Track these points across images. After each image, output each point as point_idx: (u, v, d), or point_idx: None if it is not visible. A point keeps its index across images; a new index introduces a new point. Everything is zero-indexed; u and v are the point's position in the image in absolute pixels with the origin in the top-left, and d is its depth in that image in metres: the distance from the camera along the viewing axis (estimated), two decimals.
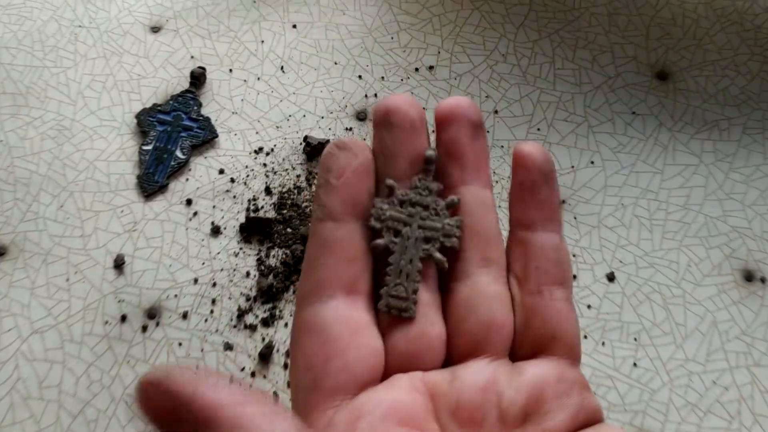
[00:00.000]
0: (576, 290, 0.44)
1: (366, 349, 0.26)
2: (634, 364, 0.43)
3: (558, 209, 0.30)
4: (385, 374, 0.27)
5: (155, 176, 0.46)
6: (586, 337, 0.43)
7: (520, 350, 0.29)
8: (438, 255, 0.28)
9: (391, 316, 0.28)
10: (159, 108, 0.48)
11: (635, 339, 0.43)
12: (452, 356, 0.28)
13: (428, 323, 0.27)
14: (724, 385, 0.42)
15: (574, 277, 0.45)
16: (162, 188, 0.46)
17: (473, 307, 0.28)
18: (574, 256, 0.45)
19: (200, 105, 0.48)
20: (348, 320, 0.26)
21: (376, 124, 0.29)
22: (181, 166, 0.47)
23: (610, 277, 0.45)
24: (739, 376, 0.42)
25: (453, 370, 0.27)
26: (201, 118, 0.48)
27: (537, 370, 0.26)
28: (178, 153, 0.46)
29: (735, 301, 0.44)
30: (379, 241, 0.28)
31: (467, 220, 0.29)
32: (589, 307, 0.44)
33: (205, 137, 0.47)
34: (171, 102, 0.49)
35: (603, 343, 0.43)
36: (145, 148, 0.47)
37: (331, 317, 0.26)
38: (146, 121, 0.48)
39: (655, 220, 0.47)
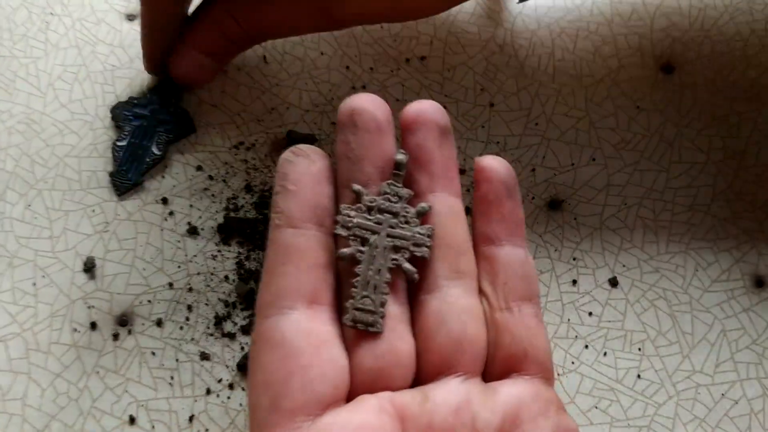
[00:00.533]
0: (576, 296, 0.42)
1: (329, 365, 0.24)
2: (638, 376, 0.40)
3: (522, 223, 0.29)
4: (351, 393, 0.25)
5: (129, 174, 0.43)
6: (587, 347, 0.41)
7: (492, 368, 0.27)
8: (408, 265, 0.26)
9: (357, 331, 0.26)
10: (135, 101, 0.44)
11: (639, 349, 0.41)
12: (422, 373, 0.27)
13: (396, 338, 0.26)
14: (734, 399, 0.40)
15: (574, 282, 0.42)
16: (136, 186, 0.43)
17: (444, 322, 0.26)
18: (574, 259, 0.43)
19: (179, 98, 0.45)
20: (310, 334, 0.25)
21: (340, 126, 0.27)
22: (156, 163, 0.43)
23: (613, 283, 0.42)
24: (749, 389, 0.40)
25: (424, 390, 0.25)
26: (179, 111, 0.44)
27: (512, 390, 0.26)
28: (154, 149, 0.42)
29: (745, 308, 0.42)
30: (346, 251, 0.26)
31: (436, 230, 0.27)
32: (590, 314, 0.41)
33: (182, 132, 0.44)
34: (148, 95, 0.45)
35: (605, 354, 0.40)
36: (119, 144, 0.43)
37: (292, 330, 0.24)
38: (121, 115, 0.44)
39: (660, 221, 0.44)
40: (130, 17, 0.50)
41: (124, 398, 0.39)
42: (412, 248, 0.26)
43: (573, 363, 0.40)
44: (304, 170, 0.26)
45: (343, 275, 0.27)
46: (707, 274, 0.43)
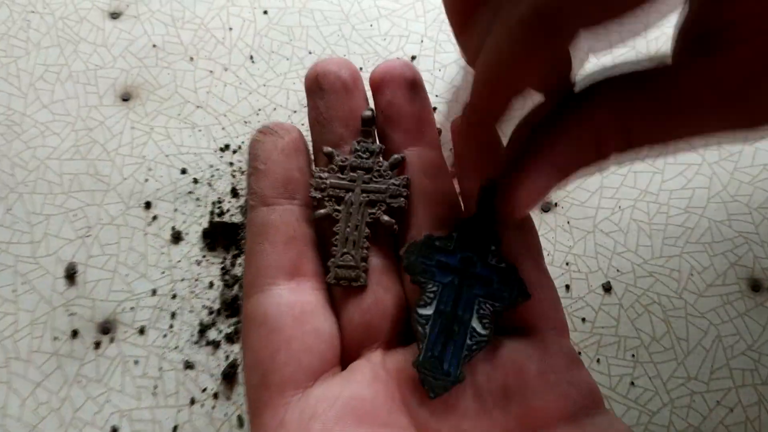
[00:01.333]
0: (569, 302, 0.41)
1: (312, 335, 0.24)
2: (632, 383, 0.39)
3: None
4: (345, 352, 0.25)
5: (444, 364, 0.24)
6: (580, 353, 0.40)
7: None
8: (385, 218, 0.26)
9: (342, 288, 0.25)
10: (437, 242, 0.25)
11: (633, 355, 0.40)
12: None
13: (381, 290, 0.25)
14: (729, 406, 0.39)
15: (567, 287, 0.41)
16: (456, 384, 0.24)
17: None
18: (567, 264, 0.42)
19: (498, 242, 0.26)
20: (291, 307, 0.24)
21: (308, 92, 0.27)
22: (482, 348, 0.24)
23: (606, 288, 0.41)
24: (745, 396, 0.39)
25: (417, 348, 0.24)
26: (505, 267, 0.25)
27: (516, 345, 0.24)
28: (477, 326, 0.24)
29: (741, 312, 0.41)
30: (321, 211, 0.26)
31: (414, 182, 0.26)
32: (583, 320, 0.40)
33: (513, 300, 0.25)
34: (455, 235, 0.25)
35: (598, 360, 0.40)
36: (422, 312, 0.24)
37: (274, 306, 0.24)
38: (419, 263, 0.25)
39: (654, 224, 0.43)
40: (114, 15, 0.48)
41: (107, 408, 0.38)
42: (388, 200, 0.26)
43: None
44: (272, 147, 0.26)
45: (326, 238, 0.26)
46: (702, 278, 0.42)
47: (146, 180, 0.43)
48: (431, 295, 0.25)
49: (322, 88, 0.26)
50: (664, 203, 0.43)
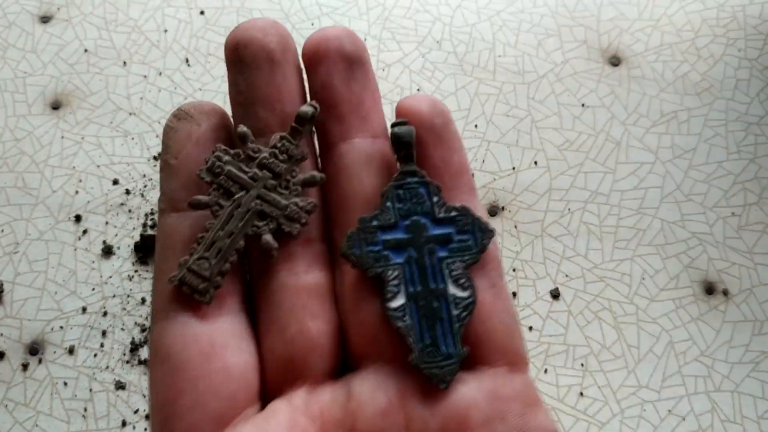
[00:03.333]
0: (515, 310, 0.39)
1: (223, 373, 0.20)
2: (581, 394, 0.38)
3: (465, 170, 0.23)
4: (269, 388, 0.21)
5: (441, 347, 0.22)
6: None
7: None
8: (267, 238, 0.21)
9: (266, 313, 0.22)
10: (376, 222, 0.22)
11: (582, 365, 0.38)
12: (351, 357, 0.22)
13: (308, 317, 0.21)
14: (681, 415, 0.38)
15: (514, 294, 0.40)
16: (462, 359, 0.22)
17: (367, 296, 0.22)
18: (513, 270, 0.40)
19: (436, 187, 0.23)
20: (199, 339, 0.20)
21: (227, 65, 0.22)
22: (471, 311, 0.22)
23: (554, 294, 0.40)
24: (697, 404, 0.38)
25: (348, 384, 0.21)
26: (456, 211, 0.23)
27: (461, 384, 0.21)
28: (455, 290, 0.22)
29: (694, 317, 0.40)
30: (200, 197, 0.21)
31: (347, 181, 0.22)
32: (530, 329, 0.39)
33: (483, 238, 0.23)
34: (387, 201, 0.23)
35: (546, 371, 0.38)
36: (393, 306, 0.22)
37: (179, 339, 0.20)
38: (367, 255, 0.22)
39: (605, 227, 0.42)
40: (44, 19, 0.46)
41: None
42: (281, 220, 0.22)
43: None
44: (186, 137, 0.21)
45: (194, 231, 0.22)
46: (654, 282, 0.40)
47: (76, 192, 0.41)
48: (395, 282, 0.22)
49: (243, 61, 0.21)
50: (616, 204, 0.42)
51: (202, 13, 0.47)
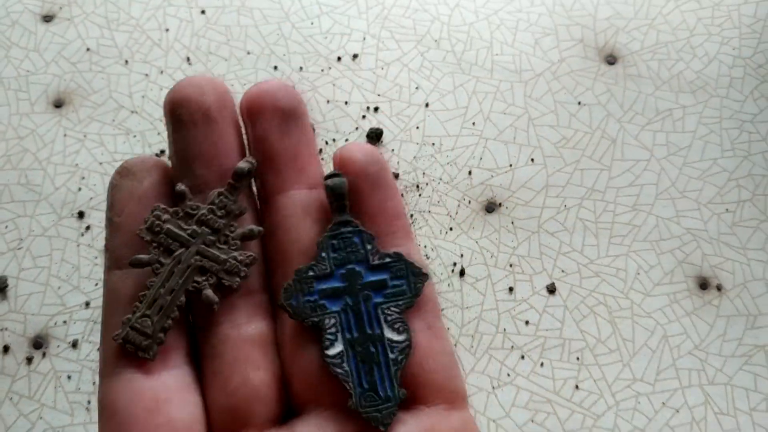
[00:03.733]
0: (513, 304, 0.40)
1: (167, 427, 0.21)
2: (577, 387, 0.38)
3: (401, 216, 0.24)
4: None
5: (380, 392, 0.22)
6: (523, 357, 0.39)
7: None
8: (208, 292, 0.22)
9: (209, 364, 0.22)
10: (312, 273, 0.23)
11: (578, 358, 0.39)
12: (293, 401, 0.23)
13: (251, 368, 0.22)
14: (675, 407, 0.38)
15: (510, 289, 0.40)
16: (402, 403, 0.23)
17: (305, 344, 0.22)
18: (510, 266, 0.41)
19: (369, 236, 0.24)
20: (143, 395, 0.21)
21: (166, 123, 0.22)
22: (408, 355, 0.23)
23: (551, 289, 0.40)
24: (691, 397, 0.38)
25: (292, 431, 0.22)
26: (389, 257, 0.23)
27: (398, 426, 0.22)
28: (391, 334, 0.23)
29: (688, 312, 0.40)
30: (141, 256, 0.21)
31: (285, 233, 0.23)
32: (527, 323, 0.40)
33: (416, 282, 0.23)
34: (322, 247, 0.23)
35: (542, 364, 0.39)
36: (330, 354, 0.23)
37: (123, 395, 0.21)
38: (303, 307, 0.23)
39: (601, 223, 0.42)
40: (47, 18, 0.47)
41: (39, 425, 0.37)
42: (221, 274, 0.22)
43: (509, 375, 0.39)
44: (128, 195, 0.22)
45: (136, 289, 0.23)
46: (649, 278, 0.41)
47: (79, 189, 0.42)
48: (332, 330, 0.22)
49: (181, 119, 0.22)
50: (611, 201, 0.43)
51: (203, 12, 0.47)
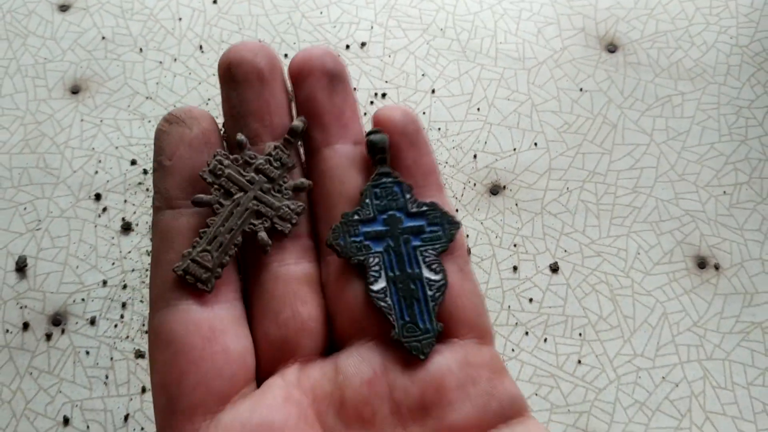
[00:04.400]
0: (517, 283, 0.41)
1: (223, 355, 0.22)
2: (579, 362, 0.40)
3: (434, 171, 0.26)
4: (262, 369, 0.24)
5: (420, 323, 0.24)
6: (527, 333, 0.40)
7: None
8: (263, 235, 0.24)
9: (259, 302, 0.24)
10: (357, 216, 0.25)
11: (580, 334, 0.40)
12: (337, 337, 0.24)
13: (299, 302, 0.24)
14: (675, 382, 0.39)
15: (515, 268, 0.42)
16: (440, 335, 0.24)
17: (349, 281, 0.24)
18: (515, 245, 0.42)
19: (408, 186, 0.26)
20: (199, 325, 0.22)
21: (221, 82, 0.25)
22: (443, 293, 0.25)
23: (554, 268, 0.42)
24: (690, 371, 0.40)
25: (336, 361, 0.24)
26: (426, 206, 0.26)
27: (436, 354, 0.23)
28: (429, 274, 0.25)
29: (687, 290, 0.41)
30: (203, 196, 0.23)
31: (331, 182, 0.25)
32: (530, 300, 0.41)
33: (451, 228, 0.26)
34: (367, 196, 0.25)
35: (545, 340, 0.40)
36: (375, 289, 0.25)
37: (180, 324, 0.22)
38: (349, 246, 0.25)
39: (602, 204, 0.43)
40: (63, 7, 0.48)
41: (58, 399, 0.38)
42: (275, 219, 0.24)
43: (513, 350, 0.40)
44: (179, 140, 0.24)
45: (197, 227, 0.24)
46: (649, 257, 0.42)
47: (96, 172, 0.43)
48: (376, 268, 0.25)
49: (235, 79, 0.24)
50: (612, 183, 0.44)
51: (214, 2, 0.49)
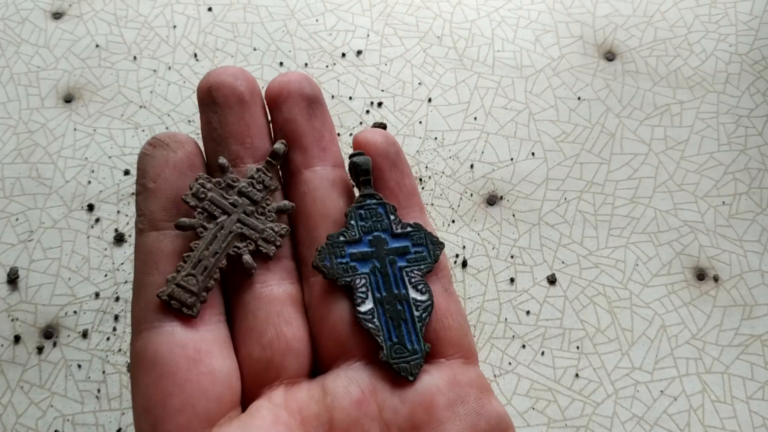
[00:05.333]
0: (514, 295, 0.41)
1: (209, 377, 0.22)
2: (577, 375, 0.39)
3: (414, 193, 0.27)
4: (246, 392, 0.24)
5: (408, 345, 0.24)
6: (524, 346, 0.40)
7: None
8: (248, 258, 0.24)
9: (242, 323, 0.24)
10: (343, 239, 0.25)
11: (578, 347, 0.40)
12: (321, 359, 0.24)
13: (283, 323, 0.24)
14: (673, 396, 0.39)
15: (512, 280, 0.41)
16: (427, 356, 0.25)
17: (335, 303, 0.24)
18: (512, 257, 0.42)
19: (392, 207, 0.26)
20: (185, 346, 0.22)
21: (200, 105, 0.25)
22: (429, 313, 0.25)
23: (551, 280, 0.41)
24: (689, 385, 0.39)
25: (323, 382, 0.23)
26: (410, 227, 0.26)
27: (423, 376, 0.24)
28: (415, 295, 0.25)
29: (686, 302, 0.41)
30: (186, 220, 0.23)
31: (312, 204, 0.25)
32: (527, 313, 0.40)
33: (434, 248, 0.26)
34: (351, 216, 0.25)
35: (542, 353, 0.40)
36: (362, 311, 0.24)
37: (164, 346, 0.22)
38: (336, 268, 0.25)
39: (600, 215, 0.43)
40: (56, 15, 0.48)
41: (50, 413, 0.38)
42: (259, 242, 0.24)
43: (510, 363, 0.39)
44: (163, 163, 0.24)
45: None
46: (647, 269, 0.42)
47: (89, 182, 0.43)
48: (363, 290, 0.25)
49: (216, 102, 0.24)
50: (610, 194, 0.43)
51: (209, 9, 0.48)
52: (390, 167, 0.26)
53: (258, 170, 0.24)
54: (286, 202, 0.25)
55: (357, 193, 0.26)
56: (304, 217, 0.25)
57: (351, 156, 0.25)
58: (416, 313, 0.24)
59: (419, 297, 0.25)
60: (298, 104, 0.25)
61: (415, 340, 0.24)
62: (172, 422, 0.22)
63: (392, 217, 0.25)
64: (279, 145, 0.25)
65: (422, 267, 0.25)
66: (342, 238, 0.24)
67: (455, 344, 0.25)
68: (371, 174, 0.26)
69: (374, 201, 0.25)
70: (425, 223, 0.26)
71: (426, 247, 0.25)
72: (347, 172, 0.26)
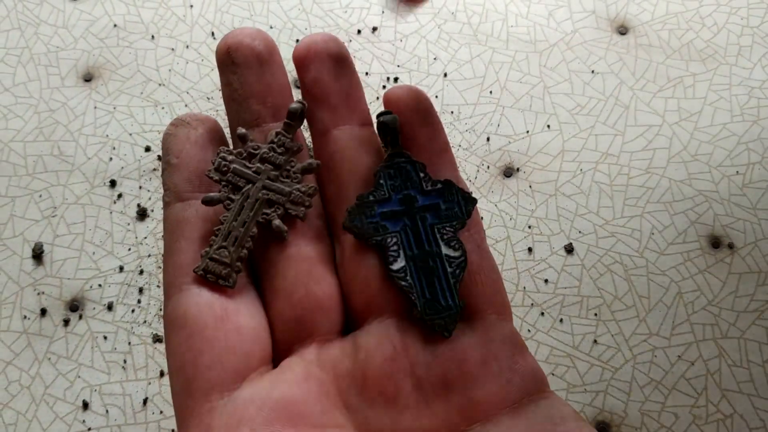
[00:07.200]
0: (532, 264, 0.41)
1: (236, 334, 0.22)
2: (595, 341, 0.40)
3: (446, 149, 0.26)
4: (278, 350, 0.24)
5: (442, 300, 0.24)
6: (543, 314, 0.40)
7: None
8: (278, 222, 0.24)
9: (273, 282, 0.24)
10: (372, 197, 0.25)
11: (595, 314, 0.40)
12: (354, 316, 0.24)
13: (312, 282, 0.24)
14: (690, 360, 0.40)
15: (530, 249, 0.42)
16: (462, 311, 0.24)
17: (364, 258, 0.24)
18: (529, 227, 0.42)
19: (421, 165, 0.26)
20: (212, 305, 0.23)
21: (220, 67, 0.25)
22: (463, 269, 0.25)
23: (569, 249, 0.42)
24: (705, 350, 0.40)
25: (355, 338, 0.24)
26: (441, 184, 0.25)
27: (457, 330, 0.23)
28: (448, 251, 0.25)
29: (701, 269, 0.42)
30: (212, 195, 0.23)
31: (341, 163, 0.25)
32: (546, 281, 0.41)
33: (466, 205, 0.25)
34: (381, 175, 0.25)
35: (561, 320, 0.40)
36: (395, 268, 0.25)
37: (193, 306, 0.22)
38: (367, 227, 0.25)
39: (615, 185, 0.43)
40: None
41: (77, 383, 0.39)
42: (287, 205, 0.24)
43: (529, 331, 0.40)
44: (185, 139, 0.24)
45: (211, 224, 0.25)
46: (663, 237, 0.42)
47: (110, 159, 0.43)
48: (395, 248, 0.24)
49: (235, 62, 0.24)
50: (626, 165, 0.44)
51: None
52: (420, 124, 0.25)
53: (277, 134, 0.24)
54: (311, 160, 0.25)
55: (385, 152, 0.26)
56: (333, 176, 0.25)
57: (378, 115, 0.25)
58: (449, 270, 0.24)
59: (452, 253, 0.24)
60: (324, 63, 0.25)
61: (449, 296, 0.24)
62: (203, 378, 0.22)
63: (422, 175, 0.25)
64: (295, 105, 0.24)
65: (454, 223, 0.25)
66: (371, 198, 0.24)
67: (489, 300, 0.24)
68: (399, 133, 0.25)
69: (403, 159, 0.25)
70: (458, 180, 0.26)
71: (458, 204, 0.25)
72: (375, 131, 0.26)
